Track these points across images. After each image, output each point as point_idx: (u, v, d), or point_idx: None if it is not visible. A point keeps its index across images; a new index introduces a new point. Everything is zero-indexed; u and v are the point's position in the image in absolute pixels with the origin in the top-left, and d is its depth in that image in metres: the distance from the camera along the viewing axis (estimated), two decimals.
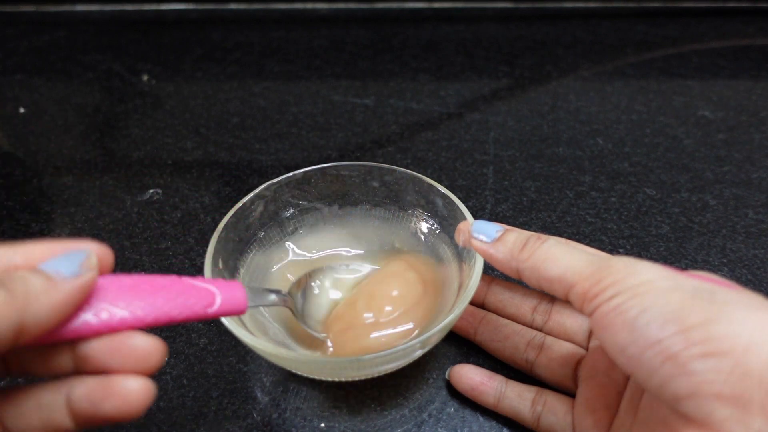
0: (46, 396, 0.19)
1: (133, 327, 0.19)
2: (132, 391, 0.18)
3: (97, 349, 0.18)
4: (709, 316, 0.19)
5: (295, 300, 0.31)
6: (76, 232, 0.42)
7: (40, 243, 0.19)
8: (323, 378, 0.28)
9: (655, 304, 0.20)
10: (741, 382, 0.18)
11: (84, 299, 0.18)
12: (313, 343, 0.31)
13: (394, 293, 0.32)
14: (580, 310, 0.23)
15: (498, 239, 0.26)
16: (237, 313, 0.23)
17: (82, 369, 0.19)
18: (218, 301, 0.22)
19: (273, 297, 0.28)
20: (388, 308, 0.31)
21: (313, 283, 0.33)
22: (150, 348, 0.19)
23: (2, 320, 0.16)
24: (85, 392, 0.18)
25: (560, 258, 0.24)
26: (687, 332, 0.19)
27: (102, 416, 0.18)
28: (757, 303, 0.20)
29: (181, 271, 0.38)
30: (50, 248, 0.19)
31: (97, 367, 0.19)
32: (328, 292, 0.33)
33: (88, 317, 0.18)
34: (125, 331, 0.19)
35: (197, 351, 0.33)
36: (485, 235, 0.27)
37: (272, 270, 0.34)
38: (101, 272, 0.20)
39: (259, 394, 0.31)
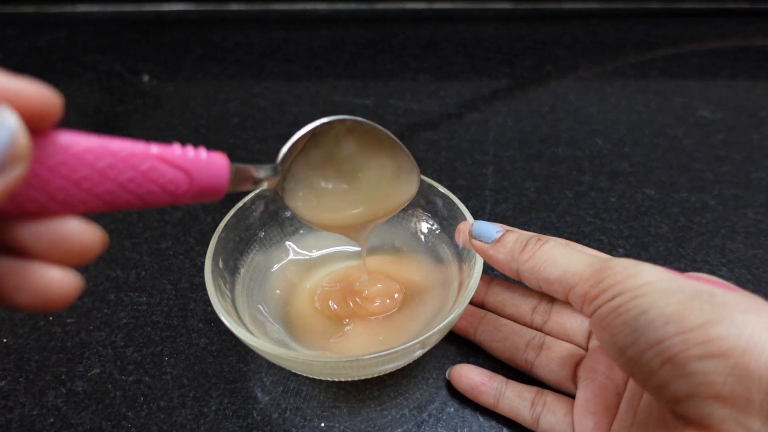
0: None
1: (97, 210, 0.16)
2: (53, 285, 0.15)
3: (19, 228, 0.15)
4: (709, 317, 0.19)
5: (285, 178, 0.26)
6: None
7: None
8: (323, 378, 0.29)
9: (654, 306, 0.20)
10: (740, 384, 0.18)
11: (7, 201, 0.14)
12: (313, 343, 0.31)
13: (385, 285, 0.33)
14: (580, 312, 0.23)
15: (498, 240, 0.26)
16: (212, 197, 0.19)
17: (3, 242, 0.15)
18: (192, 182, 0.18)
19: (261, 173, 0.24)
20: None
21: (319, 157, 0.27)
22: (87, 237, 0.16)
23: None
24: None
25: (560, 259, 0.24)
26: (686, 334, 0.19)
27: (15, 305, 0.15)
28: (757, 305, 0.20)
29: (181, 271, 0.38)
30: None
31: (21, 248, 0.15)
32: (340, 179, 0.28)
33: (23, 198, 0.15)
34: (65, 215, 0.15)
35: (197, 351, 0.33)
36: (485, 236, 0.27)
37: (272, 270, 0.34)
38: (45, 125, 0.15)
39: (259, 394, 0.31)
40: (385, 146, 0.28)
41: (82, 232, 0.16)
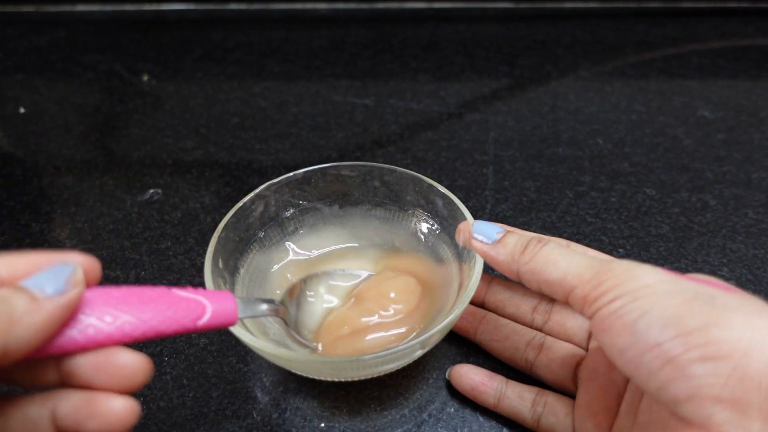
0: (32, 409, 0.18)
1: (120, 342, 0.19)
2: (116, 412, 0.18)
3: (82, 365, 0.18)
4: (709, 319, 0.19)
5: (288, 309, 0.31)
6: (76, 232, 0.42)
7: (23, 255, 0.19)
8: (323, 378, 0.28)
9: (654, 308, 0.20)
10: (740, 386, 0.18)
11: (69, 316, 0.18)
12: (311, 344, 0.31)
13: (389, 298, 0.32)
14: (581, 313, 0.23)
15: (498, 241, 0.26)
16: (227, 325, 0.22)
17: (68, 383, 0.19)
18: (208, 313, 0.21)
19: (265, 307, 0.27)
20: (382, 314, 0.31)
21: (308, 291, 0.33)
22: (135, 366, 0.19)
23: None
24: (70, 410, 0.18)
25: (561, 261, 0.24)
26: (686, 336, 0.19)
27: None
28: (757, 307, 0.20)
29: (181, 271, 0.38)
30: (34, 261, 0.19)
31: (82, 383, 0.18)
32: (323, 299, 0.33)
33: (74, 333, 0.18)
34: (111, 346, 0.19)
35: (197, 351, 0.33)
36: (485, 237, 0.27)
37: (272, 270, 0.34)
38: (88, 284, 0.19)
39: (259, 394, 0.31)
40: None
41: (131, 359, 0.19)
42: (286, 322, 0.30)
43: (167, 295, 0.20)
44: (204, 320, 0.21)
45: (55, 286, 0.18)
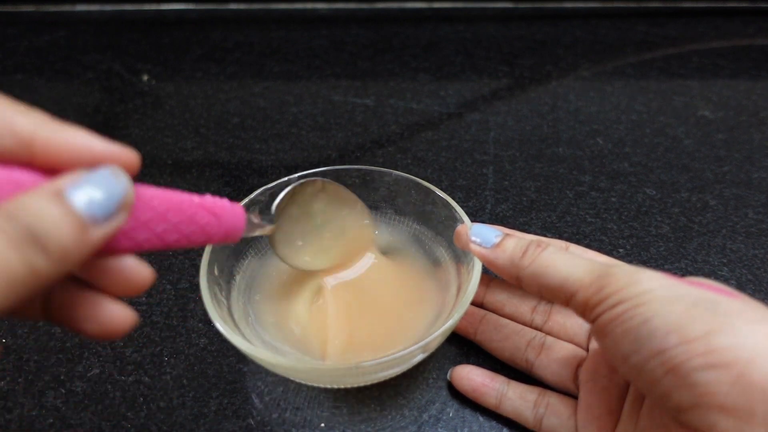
0: None
1: (154, 249, 0.18)
2: (116, 319, 0.18)
3: (95, 266, 0.17)
4: (712, 327, 0.19)
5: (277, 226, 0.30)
6: None
7: (61, 127, 0.16)
8: (321, 385, 0.28)
9: (657, 315, 0.20)
10: (744, 394, 0.18)
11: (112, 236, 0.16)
12: (310, 350, 0.31)
13: (391, 302, 0.32)
14: (582, 318, 0.23)
15: (497, 245, 0.26)
16: (232, 239, 0.23)
17: (76, 276, 0.18)
18: (221, 225, 0.21)
19: (267, 226, 0.28)
20: (386, 317, 0.32)
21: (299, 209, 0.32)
22: (141, 270, 0.18)
23: (24, 289, 0.14)
24: (67, 304, 0.17)
25: (561, 265, 0.23)
26: (689, 343, 0.19)
27: (80, 331, 0.18)
28: (760, 314, 0.20)
29: (181, 271, 0.38)
30: (69, 136, 0.16)
31: (90, 280, 0.18)
32: (318, 216, 0.33)
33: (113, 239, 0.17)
34: (131, 252, 0.18)
35: (197, 351, 0.33)
36: (484, 240, 0.27)
37: (269, 276, 0.34)
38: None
39: (258, 395, 0.31)
40: (346, 201, 0.33)
41: (138, 268, 0.18)
42: (271, 243, 0.30)
43: (192, 203, 0.20)
44: (216, 230, 0.21)
45: (107, 208, 0.15)
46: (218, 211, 0.21)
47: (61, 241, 0.14)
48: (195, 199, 0.20)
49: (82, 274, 0.18)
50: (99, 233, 0.15)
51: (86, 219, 0.15)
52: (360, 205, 0.34)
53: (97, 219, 0.15)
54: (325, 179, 0.33)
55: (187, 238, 0.20)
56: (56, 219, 0.14)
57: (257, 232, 0.27)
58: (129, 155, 0.17)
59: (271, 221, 0.29)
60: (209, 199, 0.21)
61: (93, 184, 0.15)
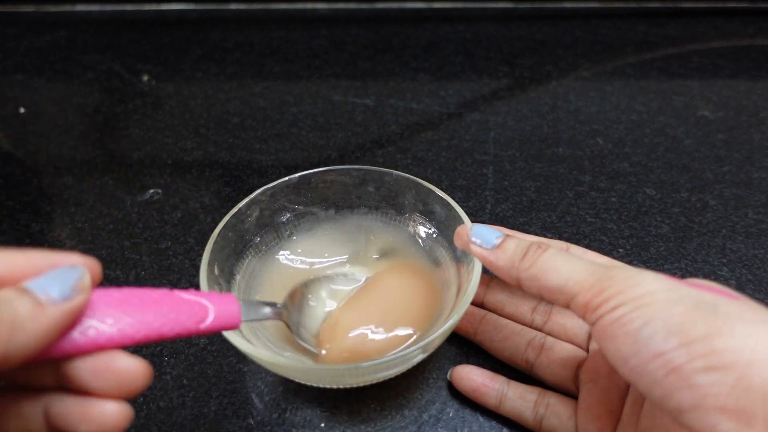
0: (26, 406, 0.18)
1: (122, 345, 0.18)
2: (108, 417, 0.18)
3: (80, 368, 0.18)
4: (712, 329, 0.19)
5: (290, 313, 0.31)
6: (76, 232, 0.42)
7: (23, 252, 0.18)
8: (321, 385, 0.28)
9: (658, 316, 0.20)
10: (744, 396, 0.18)
11: (73, 322, 0.18)
12: (309, 350, 0.31)
13: (390, 300, 0.32)
14: (582, 320, 0.23)
15: (498, 246, 0.26)
16: (230, 327, 0.22)
17: (65, 384, 0.18)
18: (211, 316, 0.21)
19: (268, 310, 0.27)
20: (384, 315, 0.31)
21: (309, 295, 0.33)
22: (134, 371, 0.18)
23: None
24: (63, 411, 0.18)
25: (561, 267, 0.23)
26: (690, 345, 0.19)
27: None
28: (760, 316, 0.20)
29: (181, 271, 0.38)
30: (35, 260, 0.18)
31: (79, 386, 0.18)
32: (324, 303, 0.33)
33: (75, 335, 0.18)
34: (112, 350, 0.18)
35: (197, 351, 0.33)
36: (484, 241, 0.27)
37: (269, 275, 0.34)
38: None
39: (259, 394, 0.31)
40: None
41: (129, 365, 0.18)
42: (288, 327, 0.30)
43: (170, 298, 0.20)
44: (207, 323, 0.21)
45: (62, 290, 0.17)
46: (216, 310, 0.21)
47: (17, 314, 0.16)
48: (176, 294, 0.20)
49: (73, 380, 0.18)
50: (54, 310, 0.17)
51: (39, 295, 0.17)
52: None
53: (51, 296, 0.17)
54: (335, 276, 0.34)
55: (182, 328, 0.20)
56: (9, 295, 0.16)
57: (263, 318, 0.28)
58: (89, 261, 0.19)
59: (280, 317, 0.29)
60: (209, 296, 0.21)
61: (49, 275, 0.18)
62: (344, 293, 0.33)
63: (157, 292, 0.20)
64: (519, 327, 0.31)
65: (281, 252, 0.35)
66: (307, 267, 0.35)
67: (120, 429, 0.18)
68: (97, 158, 0.50)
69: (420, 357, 0.27)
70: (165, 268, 0.39)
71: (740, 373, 0.18)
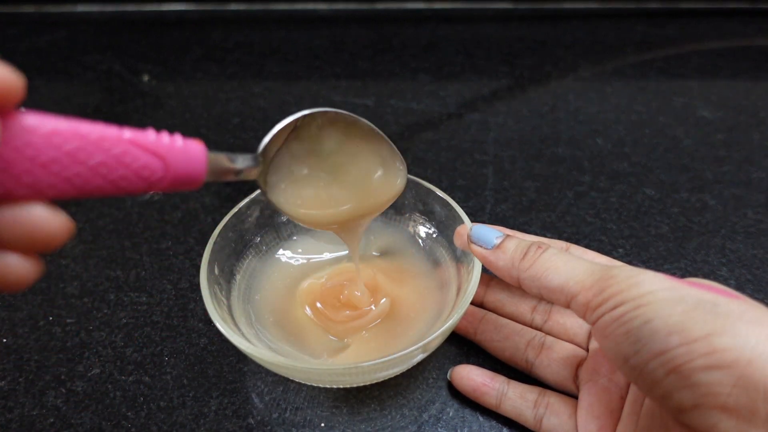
0: None
1: (68, 196, 0.16)
2: (13, 273, 0.16)
3: None
4: (712, 328, 0.19)
5: (268, 171, 0.25)
6: (77, 232, 0.42)
7: None
8: (321, 385, 0.28)
9: (657, 316, 0.20)
10: (745, 395, 0.18)
11: None
12: (311, 351, 0.31)
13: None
14: (583, 319, 0.23)
15: (498, 246, 0.26)
16: (190, 185, 0.18)
17: None
18: (168, 168, 0.17)
19: (240, 164, 0.22)
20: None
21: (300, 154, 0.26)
22: (53, 226, 0.16)
23: None
24: None
25: (561, 267, 0.24)
26: (690, 344, 0.19)
27: None
28: (760, 314, 0.20)
29: (181, 271, 0.38)
30: None
31: None
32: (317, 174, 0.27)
33: None
34: (32, 200, 0.15)
35: (197, 351, 0.33)
36: (484, 242, 0.27)
37: (269, 275, 0.34)
38: (8, 106, 0.15)
39: (259, 395, 0.31)
40: (369, 139, 0.27)
41: (47, 219, 0.16)
42: (260, 186, 0.25)
43: (117, 140, 0.17)
44: (157, 176, 0.17)
45: None
46: (162, 151, 0.17)
47: None
48: (126, 134, 0.17)
49: None
50: None
51: None
52: (387, 146, 0.27)
53: None
54: (339, 110, 0.26)
55: (114, 184, 0.17)
56: None
57: (234, 177, 0.22)
58: (2, 75, 0.14)
59: (256, 162, 0.23)
60: (149, 135, 0.17)
61: None
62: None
63: (101, 130, 0.17)
64: (519, 326, 0.31)
65: (281, 252, 0.35)
66: (307, 263, 0.35)
67: (20, 287, 0.16)
68: None
69: (420, 357, 0.27)
70: (165, 268, 0.39)
71: (741, 372, 0.18)
